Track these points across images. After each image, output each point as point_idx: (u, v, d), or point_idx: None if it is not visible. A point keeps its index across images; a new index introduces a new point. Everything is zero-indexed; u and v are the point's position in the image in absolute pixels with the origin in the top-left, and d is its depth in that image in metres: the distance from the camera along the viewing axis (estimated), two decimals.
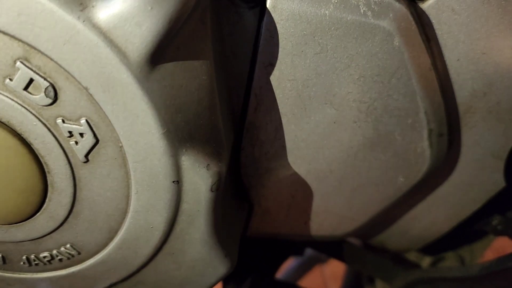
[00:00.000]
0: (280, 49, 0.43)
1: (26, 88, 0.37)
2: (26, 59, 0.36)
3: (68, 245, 0.46)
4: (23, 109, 0.38)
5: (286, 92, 0.45)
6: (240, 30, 0.43)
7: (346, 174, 0.51)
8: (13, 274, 0.48)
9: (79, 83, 0.36)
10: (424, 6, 0.44)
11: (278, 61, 0.44)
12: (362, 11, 0.42)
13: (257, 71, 0.45)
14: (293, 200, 0.53)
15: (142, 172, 0.40)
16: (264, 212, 0.55)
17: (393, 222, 0.60)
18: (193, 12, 0.36)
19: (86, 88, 0.36)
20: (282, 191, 0.52)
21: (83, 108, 0.37)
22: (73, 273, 0.47)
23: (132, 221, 0.43)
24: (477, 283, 0.61)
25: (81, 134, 0.38)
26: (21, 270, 0.48)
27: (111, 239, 0.45)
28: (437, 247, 0.65)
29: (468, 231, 0.65)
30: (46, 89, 0.36)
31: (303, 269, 1.26)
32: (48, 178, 0.41)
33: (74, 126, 0.38)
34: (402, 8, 0.42)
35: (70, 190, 0.41)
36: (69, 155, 0.40)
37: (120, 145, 0.39)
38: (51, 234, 0.45)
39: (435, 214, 0.58)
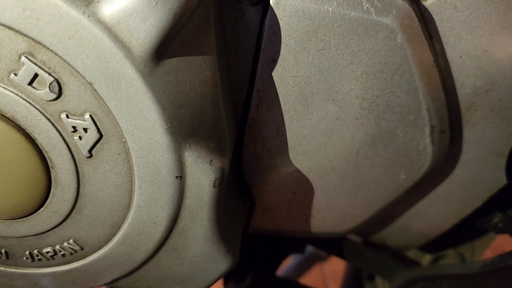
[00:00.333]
0: (282, 46, 0.44)
1: (30, 83, 0.37)
2: (31, 54, 0.36)
3: (71, 240, 0.46)
4: (27, 104, 0.38)
5: (288, 88, 0.45)
6: (243, 27, 0.43)
7: (347, 171, 0.51)
8: (16, 269, 0.49)
9: (84, 78, 0.36)
10: (426, 3, 0.44)
11: (280, 58, 0.44)
12: (365, 8, 0.42)
13: (260, 67, 0.45)
14: (294, 197, 0.53)
15: (146, 168, 0.40)
16: (265, 209, 0.55)
17: (394, 219, 0.60)
18: (197, 8, 0.36)
19: (90, 83, 0.36)
20: (284, 188, 0.52)
21: (87, 103, 0.37)
22: (76, 268, 0.48)
23: (135, 216, 0.43)
24: (478, 281, 0.61)
25: (85, 129, 0.38)
26: (24, 265, 0.48)
27: (114, 234, 0.45)
28: (437, 244, 0.65)
29: (469, 228, 0.65)
30: (50, 84, 0.37)
31: (303, 268, 1.27)
32: (51, 173, 0.41)
33: (78, 121, 0.38)
34: (405, 5, 0.42)
35: (73, 185, 0.42)
36: (73, 150, 0.40)
37: (124, 140, 0.39)
38: (54, 229, 0.45)
39: (437, 211, 0.58)
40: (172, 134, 0.38)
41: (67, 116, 0.38)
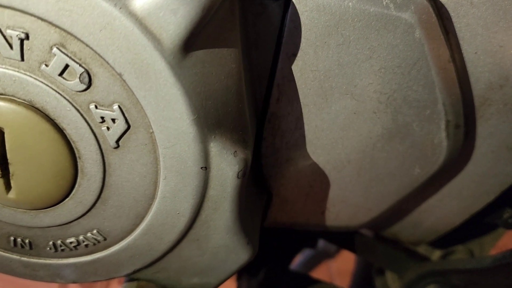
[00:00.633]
0: (303, 40, 0.44)
1: (61, 74, 0.38)
2: (62, 45, 0.37)
3: (94, 231, 0.46)
4: (57, 94, 0.38)
5: (308, 82, 0.46)
6: (265, 21, 0.44)
7: (364, 164, 0.52)
8: (38, 259, 0.49)
9: (113, 69, 0.37)
10: None
11: (301, 52, 0.45)
12: (384, 3, 0.43)
13: (281, 61, 0.45)
14: (311, 190, 0.54)
15: (171, 158, 0.41)
16: (282, 202, 0.55)
17: (407, 214, 0.61)
18: (223, 1, 0.37)
19: (120, 74, 0.37)
20: (300, 181, 0.53)
21: (116, 94, 0.38)
22: (98, 259, 0.48)
23: (159, 207, 0.43)
24: (489, 275, 0.61)
25: (113, 120, 0.39)
26: (47, 256, 0.49)
27: (137, 225, 0.45)
28: (447, 240, 0.66)
29: (478, 224, 0.65)
30: (81, 75, 0.37)
31: (310, 265, 1.27)
32: (78, 163, 0.42)
33: (106, 111, 0.39)
34: (423, 1, 0.43)
35: (99, 175, 0.42)
36: (100, 140, 0.40)
37: (151, 131, 0.39)
38: (78, 220, 0.45)
39: (449, 206, 0.59)
40: (198, 125, 0.39)
41: (96, 107, 0.39)
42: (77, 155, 0.41)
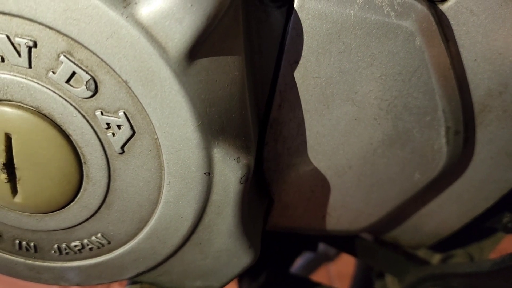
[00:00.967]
0: (305, 47, 0.45)
1: (68, 81, 0.38)
2: (70, 53, 0.37)
3: (99, 235, 0.47)
4: (64, 101, 0.39)
5: (310, 89, 0.47)
6: (268, 28, 0.45)
7: (365, 170, 0.52)
8: (43, 262, 0.50)
9: (119, 76, 0.37)
10: (443, 7, 0.45)
11: (303, 59, 0.45)
12: (385, 11, 0.43)
13: (283, 68, 0.46)
14: (312, 195, 0.55)
15: (175, 164, 0.41)
16: (283, 206, 0.56)
17: (407, 218, 0.61)
18: (228, 10, 0.38)
19: (125, 82, 0.38)
20: (302, 186, 0.54)
21: (122, 101, 0.39)
22: (102, 262, 0.49)
23: (163, 211, 0.44)
24: (488, 279, 0.62)
25: (119, 126, 0.40)
26: (51, 259, 0.50)
27: (141, 229, 0.46)
28: (446, 244, 0.66)
29: (477, 228, 0.66)
30: (87, 82, 0.38)
31: (310, 268, 1.28)
32: (84, 168, 0.42)
33: (112, 118, 0.39)
34: (423, 9, 0.44)
35: (104, 180, 0.43)
36: (106, 146, 0.41)
37: (156, 137, 0.40)
38: (83, 224, 0.46)
39: (448, 211, 0.59)
40: (202, 131, 0.39)
41: (102, 113, 0.39)
42: (82, 160, 0.42)
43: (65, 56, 0.37)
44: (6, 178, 0.42)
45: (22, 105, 0.40)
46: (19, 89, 0.39)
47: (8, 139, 0.41)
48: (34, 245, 0.49)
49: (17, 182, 0.43)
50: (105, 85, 0.38)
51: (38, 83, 0.39)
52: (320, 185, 0.54)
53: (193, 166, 0.41)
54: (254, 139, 0.45)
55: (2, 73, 0.39)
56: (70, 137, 0.41)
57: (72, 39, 0.36)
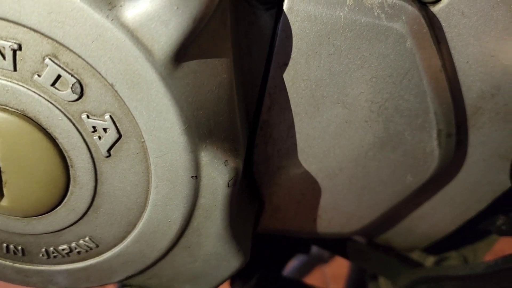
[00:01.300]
0: (295, 50, 0.45)
1: (53, 84, 0.38)
2: (55, 56, 0.37)
3: (87, 238, 0.47)
4: (49, 104, 0.39)
5: (299, 91, 0.47)
6: (257, 31, 0.44)
7: (356, 173, 0.52)
8: (31, 266, 0.50)
9: (105, 79, 0.37)
10: (435, 9, 0.45)
11: (293, 61, 0.45)
12: (375, 13, 0.43)
13: (272, 70, 0.46)
14: (303, 198, 0.54)
15: (163, 167, 0.41)
16: (274, 209, 0.56)
17: (399, 221, 0.61)
18: (215, 12, 0.38)
19: (111, 85, 0.37)
20: (292, 189, 0.53)
21: (108, 104, 0.38)
22: (90, 266, 0.49)
23: (151, 215, 0.44)
24: (481, 282, 0.62)
25: (105, 129, 0.39)
26: (39, 262, 0.49)
27: (129, 232, 0.46)
28: (440, 246, 0.66)
29: (472, 231, 0.66)
30: (73, 85, 0.38)
31: (304, 270, 1.28)
32: (70, 172, 0.42)
33: (98, 121, 0.39)
34: (414, 11, 0.43)
35: (91, 184, 0.43)
36: (92, 149, 0.41)
37: (142, 140, 0.40)
38: (70, 227, 0.46)
39: (441, 213, 0.59)
40: (189, 134, 0.39)
41: (88, 117, 0.39)
42: (69, 163, 0.42)
43: (50, 59, 0.37)
44: None
45: (7, 108, 0.40)
46: (4, 92, 0.39)
47: None
48: (22, 249, 0.48)
49: (3, 185, 0.43)
50: (91, 88, 0.38)
51: (23, 86, 0.38)
52: (311, 188, 0.53)
53: (180, 170, 0.41)
54: (243, 142, 0.45)
55: None
56: (56, 140, 0.40)
57: (57, 42, 0.36)
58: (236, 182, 0.43)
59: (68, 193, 0.43)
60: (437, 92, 0.47)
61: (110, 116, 0.39)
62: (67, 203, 0.44)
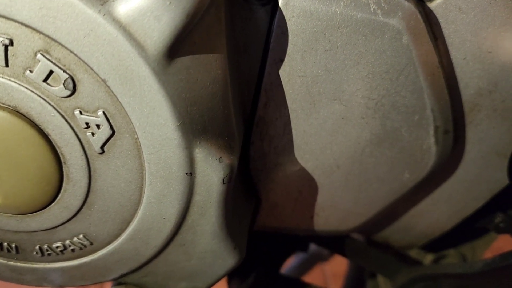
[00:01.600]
0: (290, 46, 0.44)
1: (45, 80, 0.38)
2: (47, 52, 0.37)
3: (81, 235, 0.46)
4: (42, 100, 0.38)
5: (295, 88, 0.46)
6: (252, 27, 0.44)
7: (353, 170, 0.52)
8: (25, 263, 0.49)
9: (98, 75, 0.37)
10: (432, 5, 0.45)
11: (288, 57, 0.45)
12: (372, 9, 0.43)
13: (268, 67, 0.45)
14: (300, 195, 0.54)
15: (156, 164, 0.41)
16: (271, 206, 0.55)
17: (397, 218, 0.61)
18: (209, 7, 0.37)
19: (104, 81, 0.37)
20: (289, 186, 0.53)
21: (101, 100, 0.38)
22: (84, 263, 0.48)
23: (145, 212, 0.44)
24: (479, 280, 0.61)
25: (98, 126, 0.39)
26: (33, 260, 0.49)
27: (123, 230, 0.45)
28: (438, 244, 0.66)
29: (470, 228, 0.65)
30: (65, 81, 0.37)
31: (304, 267, 1.27)
32: (64, 168, 0.42)
33: (91, 117, 0.39)
34: (411, 7, 0.43)
35: (85, 180, 0.42)
36: (85, 146, 0.40)
37: (136, 136, 0.39)
38: (64, 224, 0.45)
39: (439, 211, 0.59)
40: (183, 131, 0.39)
41: (81, 113, 0.39)
42: (62, 160, 0.41)
43: (42, 54, 0.37)
44: None
45: None
46: None
47: None
48: (16, 246, 0.48)
49: None
50: (83, 84, 0.38)
51: (15, 82, 0.38)
52: (307, 185, 0.53)
53: (174, 166, 0.40)
54: (238, 139, 0.44)
55: None
56: (49, 136, 0.40)
57: (49, 37, 0.36)
58: (231, 179, 0.42)
59: (62, 190, 0.43)
60: (434, 88, 0.46)
61: (103, 112, 0.39)
62: (61, 200, 0.43)
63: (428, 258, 0.72)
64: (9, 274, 0.50)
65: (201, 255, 0.48)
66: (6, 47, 0.37)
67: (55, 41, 0.36)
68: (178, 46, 0.36)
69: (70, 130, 0.40)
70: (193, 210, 0.44)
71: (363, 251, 0.68)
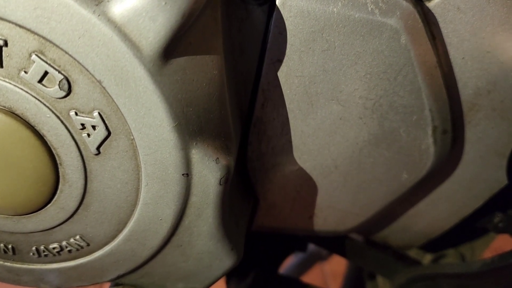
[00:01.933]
0: (288, 46, 0.44)
1: (40, 81, 0.37)
2: (42, 52, 0.36)
3: (77, 237, 0.46)
4: (37, 101, 0.38)
5: (293, 88, 0.46)
6: (249, 27, 0.44)
7: (351, 170, 0.51)
8: (22, 264, 0.49)
9: (93, 76, 0.37)
10: (430, 4, 0.44)
11: (286, 58, 0.45)
12: (369, 9, 0.43)
13: (265, 67, 0.45)
14: (298, 195, 0.54)
15: (153, 165, 0.40)
16: (269, 207, 0.55)
17: (396, 218, 0.60)
18: (205, 8, 0.37)
19: (99, 81, 0.37)
20: (287, 186, 0.53)
21: (96, 101, 0.38)
22: (81, 264, 0.48)
23: (141, 213, 0.43)
24: (478, 280, 0.61)
25: (94, 127, 0.39)
26: (30, 261, 0.49)
27: (120, 231, 0.45)
28: (438, 244, 0.66)
29: (469, 228, 0.65)
30: (60, 82, 0.37)
31: (303, 267, 1.27)
32: (60, 170, 0.42)
33: (86, 118, 0.39)
34: (409, 7, 0.43)
35: (81, 182, 0.42)
36: (81, 147, 0.40)
37: (132, 137, 0.39)
38: (61, 226, 0.45)
39: (438, 211, 0.59)
40: (179, 132, 0.39)
41: (76, 114, 0.38)
42: (58, 161, 0.41)
43: (37, 55, 0.36)
44: None
45: None
46: None
47: None
48: (12, 247, 0.48)
49: None
50: (78, 85, 0.37)
51: (10, 83, 0.38)
52: (305, 185, 0.53)
53: (170, 168, 0.40)
54: (235, 139, 0.44)
55: None
56: (45, 137, 0.40)
57: (43, 38, 0.36)
58: (227, 180, 0.42)
59: (58, 191, 0.43)
60: (432, 88, 0.46)
61: (99, 113, 0.38)
62: (57, 201, 0.43)
63: (427, 258, 0.72)
64: (6, 275, 0.50)
65: (198, 256, 0.47)
66: (0, 48, 0.36)
67: (50, 41, 0.36)
68: (174, 47, 0.36)
69: (66, 131, 0.39)
70: (190, 211, 0.43)
71: (362, 251, 0.68)
